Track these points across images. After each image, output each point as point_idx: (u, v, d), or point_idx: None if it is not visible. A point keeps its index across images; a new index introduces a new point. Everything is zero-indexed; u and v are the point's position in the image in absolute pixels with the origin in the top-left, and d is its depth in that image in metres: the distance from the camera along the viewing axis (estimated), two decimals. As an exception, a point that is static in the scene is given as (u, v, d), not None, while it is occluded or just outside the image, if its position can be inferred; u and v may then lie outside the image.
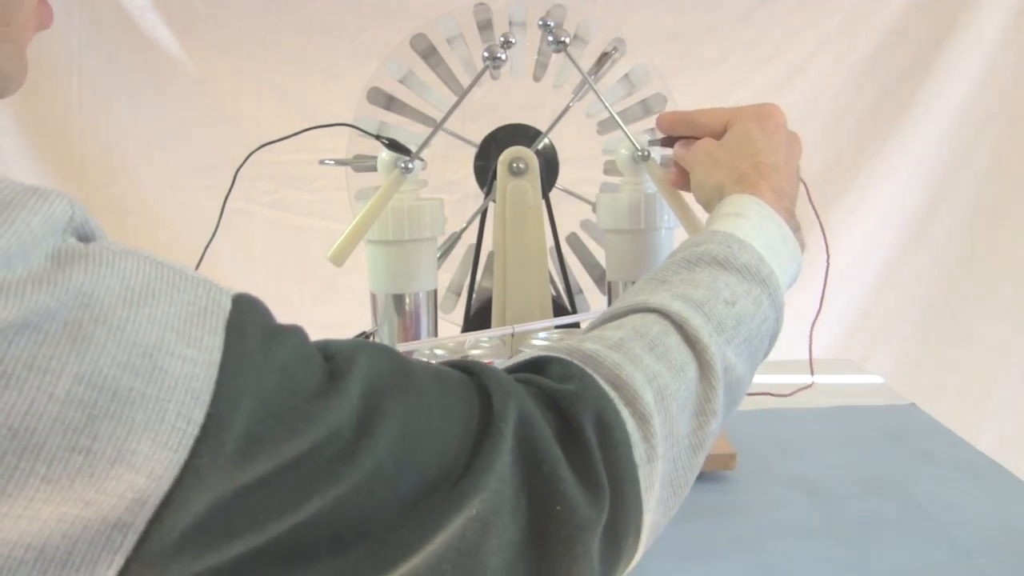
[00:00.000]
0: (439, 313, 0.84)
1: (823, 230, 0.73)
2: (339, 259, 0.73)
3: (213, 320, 0.36)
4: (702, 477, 0.80)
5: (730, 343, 0.51)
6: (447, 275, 0.91)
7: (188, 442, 0.33)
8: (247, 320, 0.37)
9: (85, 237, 0.36)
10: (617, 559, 0.44)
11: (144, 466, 0.32)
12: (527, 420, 0.42)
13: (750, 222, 0.58)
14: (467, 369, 0.46)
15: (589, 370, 0.46)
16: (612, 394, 0.45)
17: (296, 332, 0.40)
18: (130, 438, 0.32)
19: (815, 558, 0.66)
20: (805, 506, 0.75)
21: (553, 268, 0.88)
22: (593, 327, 0.53)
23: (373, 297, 0.81)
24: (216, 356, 0.35)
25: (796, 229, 0.61)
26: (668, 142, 0.75)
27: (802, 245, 0.62)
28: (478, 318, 0.88)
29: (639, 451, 0.45)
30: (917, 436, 0.91)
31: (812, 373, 0.78)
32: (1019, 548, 0.67)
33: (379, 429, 0.38)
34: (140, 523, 0.33)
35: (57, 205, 0.35)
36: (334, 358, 0.40)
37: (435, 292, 0.82)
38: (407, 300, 0.79)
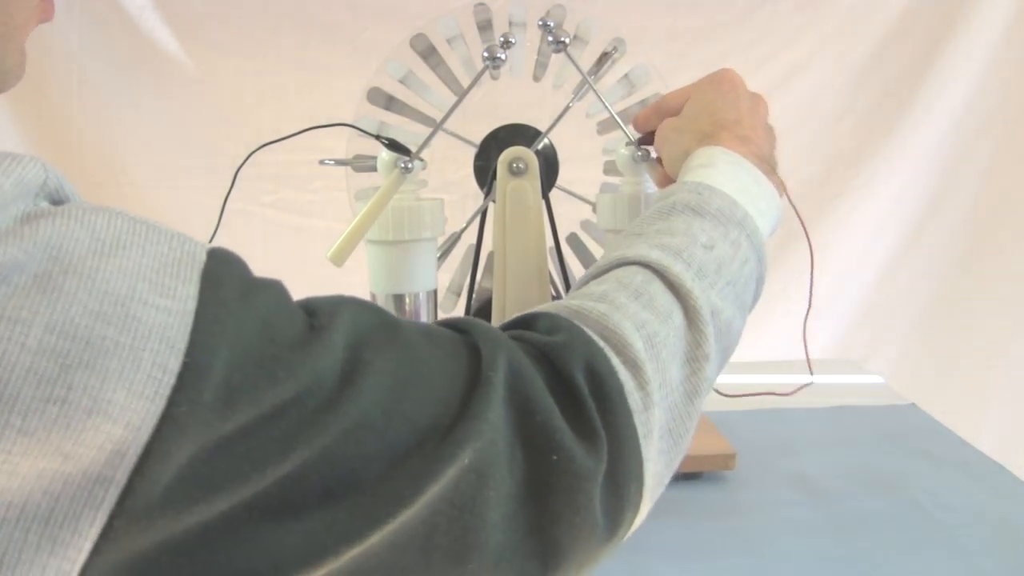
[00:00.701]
0: (439, 313, 0.84)
1: (805, 228, 0.73)
2: (339, 259, 0.73)
3: (187, 270, 0.36)
4: (702, 477, 0.80)
5: (714, 287, 0.51)
6: (447, 275, 0.91)
7: (165, 391, 0.33)
8: (223, 271, 0.37)
9: (59, 202, 0.36)
10: (621, 510, 0.44)
11: (121, 416, 0.32)
12: (517, 372, 0.42)
13: (718, 169, 0.58)
14: (457, 327, 0.45)
15: (577, 322, 0.46)
16: (601, 343, 0.45)
17: (275, 285, 0.39)
18: (105, 387, 0.32)
19: (815, 558, 0.66)
20: (805, 506, 0.75)
21: (553, 268, 0.88)
22: (577, 287, 0.53)
23: (373, 297, 0.81)
24: (191, 305, 0.34)
25: (769, 172, 0.61)
26: (648, 140, 0.76)
27: (779, 188, 0.61)
28: (478, 318, 0.87)
29: (634, 399, 0.44)
30: (917, 436, 0.91)
31: (811, 371, 0.77)
32: (1019, 548, 0.67)
33: (364, 379, 0.38)
34: (121, 477, 0.32)
35: (31, 169, 0.35)
36: (316, 313, 0.40)
37: (435, 292, 0.82)
38: (407, 300, 0.79)
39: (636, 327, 0.46)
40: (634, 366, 0.45)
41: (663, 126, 0.68)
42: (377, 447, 0.38)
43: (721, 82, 0.67)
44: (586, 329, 0.46)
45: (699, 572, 0.65)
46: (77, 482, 0.32)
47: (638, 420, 0.44)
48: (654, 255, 0.51)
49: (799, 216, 0.71)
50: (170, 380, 0.33)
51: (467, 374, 0.42)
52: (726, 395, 0.77)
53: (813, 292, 1.78)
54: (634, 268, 0.51)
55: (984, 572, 0.64)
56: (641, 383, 0.45)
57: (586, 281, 0.53)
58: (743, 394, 0.78)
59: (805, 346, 0.77)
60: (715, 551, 0.67)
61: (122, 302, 0.33)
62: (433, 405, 0.40)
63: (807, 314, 0.77)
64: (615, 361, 0.45)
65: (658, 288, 0.49)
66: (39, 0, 0.48)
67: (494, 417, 0.40)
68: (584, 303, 0.48)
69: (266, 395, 0.35)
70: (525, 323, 0.48)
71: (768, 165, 0.61)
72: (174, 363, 0.33)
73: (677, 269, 0.50)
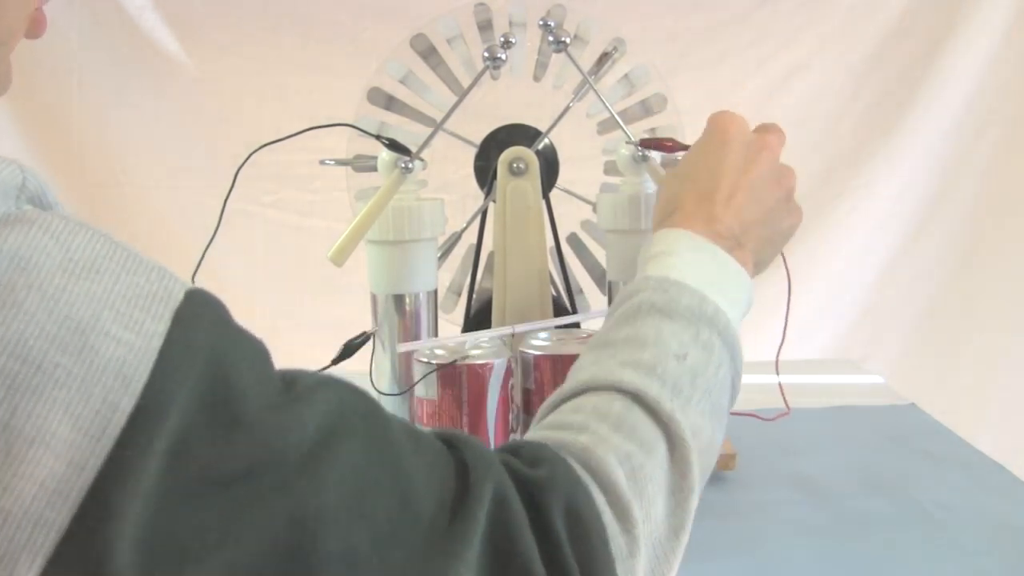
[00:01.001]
0: (439, 313, 0.84)
1: (786, 265, 0.73)
2: (339, 259, 0.73)
3: (160, 306, 0.33)
4: (702, 477, 0.80)
5: (690, 402, 0.48)
6: (447, 275, 0.91)
7: (113, 432, 0.31)
8: (200, 313, 0.34)
9: (43, 208, 0.35)
10: None
11: (65, 452, 0.30)
12: (503, 503, 0.39)
13: (681, 258, 0.54)
14: (450, 441, 0.42)
15: (562, 454, 0.43)
16: (586, 480, 0.42)
17: (255, 341, 0.37)
18: (50, 418, 0.30)
19: (815, 558, 0.66)
20: (805, 506, 0.75)
21: (553, 268, 0.88)
22: (547, 412, 0.49)
23: (373, 297, 0.81)
24: (156, 343, 0.32)
25: (734, 248, 0.57)
26: (653, 145, 0.76)
27: (754, 266, 0.58)
28: (478, 318, 0.88)
29: (617, 544, 0.41)
30: (917, 436, 0.91)
31: (786, 405, 0.78)
32: (1019, 548, 0.67)
33: (329, 468, 0.35)
34: (62, 521, 0.30)
35: (4, 170, 0.34)
36: (295, 383, 0.37)
37: (435, 292, 0.82)
38: (407, 300, 0.79)
39: (620, 461, 0.44)
40: (619, 507, 0.42)
41: (668, 173, 0.67)
42: (333, 549, 0.34)
43: (713, 134, 0.61)
44: (571, 463, 0.43)
45: (699, 572, 0.65)
46: (17, 521, 0.30)
47: (621, 568, 0.41)
48: (627, 376, 0.47)
49: (784, 259, 0.70)
50: (120, 420, 0.31)
51: (450, 497, 0.38)
52: None
53: (813, 294, 1.77)
54: (611, 394, 0.47)
55: (984, 572, 0.64)
56: (627, 527, 0.42)
57: (559, 402, 0.49)
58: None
59: (780, 386, 0.77)
60: (715, 551, 0.67)
61: (82, 329, 0.31)
62: (402, 518, 0.36)
63: (779, 348, 0.77)
64: (599, 501, 0.42)
65: (639, 416, 0.46)
66: (30, 14, 0.45)
67: (471, 556, 0.37)
68: (565, 436, 0.45)
69: (219, 459, 0.32)
70: (510, 451, 0.45)
71: (736, 241, 0.57)
72: (127, 403, 0.31)
73: (654, 392, 0.47)
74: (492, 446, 0.68)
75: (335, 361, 0.77)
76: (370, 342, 0.79)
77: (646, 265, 0.55)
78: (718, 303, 0.52)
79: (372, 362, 0.80)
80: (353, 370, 0.81)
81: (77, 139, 1.70)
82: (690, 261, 0.54)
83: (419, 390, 0.69)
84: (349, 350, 0.78)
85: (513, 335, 0.71)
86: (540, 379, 0.70)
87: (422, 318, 0.80)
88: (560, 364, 0.69)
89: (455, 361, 0.67)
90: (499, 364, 0.68)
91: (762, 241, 0.59)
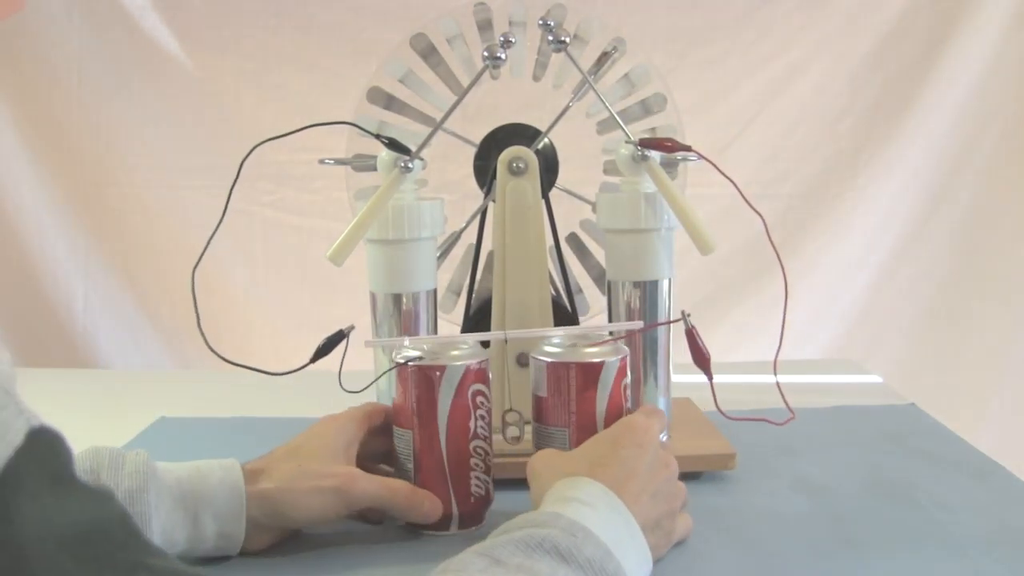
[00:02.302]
0: (439, 313, 0.84)
1: (783, 270, 0.72)
2: (339, 258, 0.73)
3: None
4: (702, 477, 0.80)
5: None
6: (447, 275, 0.91)
7: None
8: (35, 463, 0.28)
9: None
10: None
11: None
12: None
13: (596, 510, 0.54)
14: None
15: None
16: None
17: (94, 501, 0.31)
18: None
19: (815, 558, 0.66)
20: (805, 506, 0.75)
21: (553, 268, 0.88)
22: None
23: (372, 296, 0.81)
24: None
25: (649, 529, 0.58)
26: (653, 145, 0.76)
27: (660, 548, 0.60)
28: (477, 318, 0.88)
29: None
30: (917, 436, 0.91)
31: (790, 409, 0.77)
32: (1019, 548, 0.67)
33: None
34: None
35: None
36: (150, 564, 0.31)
37: (434, 292, 0.82)
38: (406, 300, 0.79)
39: None
40: None
41: (536, 457, 0.65)
42: None
43: (632, 434, 0.62)
44: None
45: (699, 572, 0.65)
46: None
47: None
48: None
49: (777, 253, 0.69)
50: None
51: None
52: (728, 416, 0.77)
53: (813, 293, 1.77)
54: None
55: (984, 572, 0.64)
56: None
57: None
58: (740, 418, 0.78)
59: (778, 386, 0.77)
60: (715, 551, 0.67)
61: None
62: None
63: (778, 352, 0.77)
64: None
65: None
66: None
67: None
68: None
69: None
70: None
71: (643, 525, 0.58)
72: None
73: None
74: (444, 453, 0.67)
75: (313, 359, 0.74)
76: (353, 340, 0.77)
77: (559, 504, 0.55)
78: (621, 562, 0.52)
79: (343, 362, 0.76)
80: (352, 369, 0.81)
81: (77, 139, 1.70)
82: (605, 517, 0.54)
83: (384, 386, 0.69)
84: (322, 350, 0.74)
85: (506, 340, 0.71)
86: (550, 386, 0.69)
87: (421, 317, 0.80)
88: (572, 371, 0.68)
89: (407, 362, 0.67)
90: (455, 368, 0.66)
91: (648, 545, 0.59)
